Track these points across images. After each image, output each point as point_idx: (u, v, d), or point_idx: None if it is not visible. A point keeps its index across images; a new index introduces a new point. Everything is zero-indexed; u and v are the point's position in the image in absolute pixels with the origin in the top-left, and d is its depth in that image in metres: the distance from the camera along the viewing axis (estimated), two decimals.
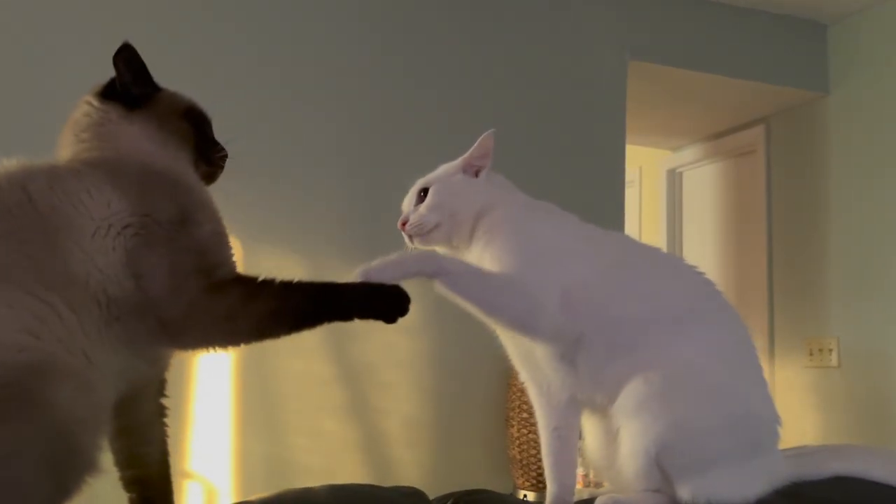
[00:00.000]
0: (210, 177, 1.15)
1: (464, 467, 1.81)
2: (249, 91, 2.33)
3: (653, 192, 4.37)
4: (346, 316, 1.00)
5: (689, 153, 4.12)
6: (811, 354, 3.36)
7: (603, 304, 1.18)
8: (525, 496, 2.30)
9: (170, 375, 2.03)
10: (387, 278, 1.05)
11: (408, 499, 1.04)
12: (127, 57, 1.06)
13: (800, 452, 1.28)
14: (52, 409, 0.81)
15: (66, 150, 1.04)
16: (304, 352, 2.23)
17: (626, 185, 3.78)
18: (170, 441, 2.11)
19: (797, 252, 3.51)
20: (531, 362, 1.25)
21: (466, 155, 1.30)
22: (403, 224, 1.27)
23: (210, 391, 2.15)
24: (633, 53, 3.00)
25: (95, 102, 1.06)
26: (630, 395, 1.14)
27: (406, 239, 1.28)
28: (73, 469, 0.84)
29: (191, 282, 0.94)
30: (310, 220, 2.34)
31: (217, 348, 0.99)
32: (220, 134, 1.16)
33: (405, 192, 1.31)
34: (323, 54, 2.46)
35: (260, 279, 1.00)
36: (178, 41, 2.27)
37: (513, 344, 1.24)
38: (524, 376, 1.28)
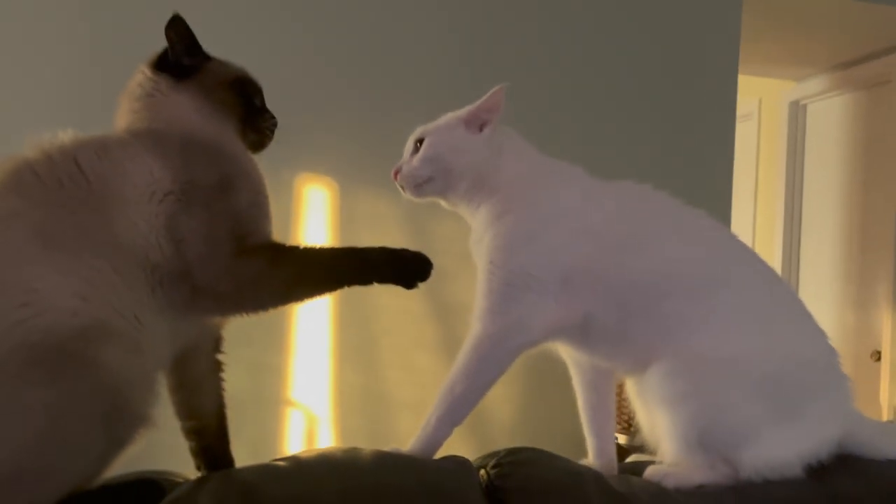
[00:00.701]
0: (259, 145, 1.17)
1: (554, 407, 1.81)
2: (340, 35, 2.33)
3: (772, 126, 4.08)
4: (367, 280, 1.02)
5: (815, 84, 3.80)
6: None
7: (609, 280, 1.11)
8: (615, 438, 2.29)
9: (272, 311, 2.12)
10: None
11: (452, 472, 1.03)
12: (177, 28, 1.09)
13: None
14: (103, 369, 0.87)
15: (121, 118, 1.09)
16: (399, 289, 2.27)
17: (742, 119, 3.55)
18: (273, 371, 2.23)
19: None
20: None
21: (473, 107, 1.21)
22: (396, 173, 1.22)
23: (310, 326, 2.24)
24: None
25: (148, 72, 1.10)
26: (654, 385, 1.09)
27: (399, 189, 1.23)
28: (125, 424, 0.90)
29: (223, 248, 0.97)
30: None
31: (246, 313, 1.02)
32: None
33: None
34: None
35: (287, 245, 1.02)
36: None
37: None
38: (563, 352, 1.26)
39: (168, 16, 1.09)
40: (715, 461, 1.06)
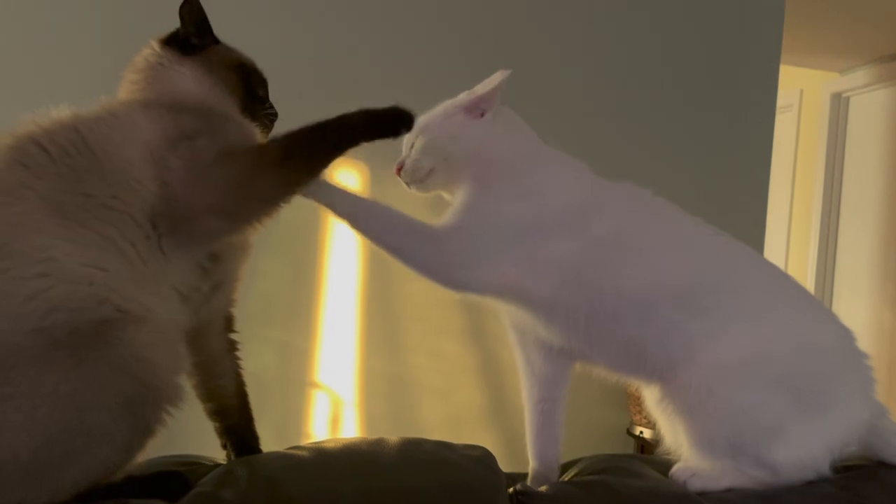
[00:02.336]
0: None
1: (581, 401, 1.80)
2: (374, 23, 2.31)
3: (813, 118, 3.98)
4: (353, 140, 1.04)
5: (859, 76, 3.70)
6: None
7: (592, 276, 1.07)
8: (641, 433, 2.27)
9: (301, 291, 2.12)
10: (315, 197, 1.06)
11: (474, 461, 1.02)
12: (191, 9, 1.12)
13: None
14: (123, 345, 0.86)
15: (121, 91, 1.10)
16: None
17: (782, 110, 3.47)
18: (299, 353, 2.24)
19: None
20: (518, 329, 1.19)
21: (471, 94, 1.16)
22: (399, 169, 1.18)
23: (338, 310, 2.25)
24: None
25: (156, 47, 1.12)
26: (672, 394, 1.05)
27: (403, 185, 1.19)
28: (150, 403, 0.90)
29: (211, 169, 0.97)
30: None
31: (258, 216, 1.01)
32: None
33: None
34: None
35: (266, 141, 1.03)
36: None
37: (504, 308, 1.16)
38: (512, 340, 1.21)
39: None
40: (744, 465, 1.03)
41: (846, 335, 1.11)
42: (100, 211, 0.91)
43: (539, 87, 2.29)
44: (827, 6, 3.01)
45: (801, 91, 4.06)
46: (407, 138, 1.19)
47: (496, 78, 1.15)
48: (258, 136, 1.09)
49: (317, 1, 2.25)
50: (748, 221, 2.57)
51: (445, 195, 1.21)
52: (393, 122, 1.07)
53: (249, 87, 1.16)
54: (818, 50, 3.55)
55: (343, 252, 2.24)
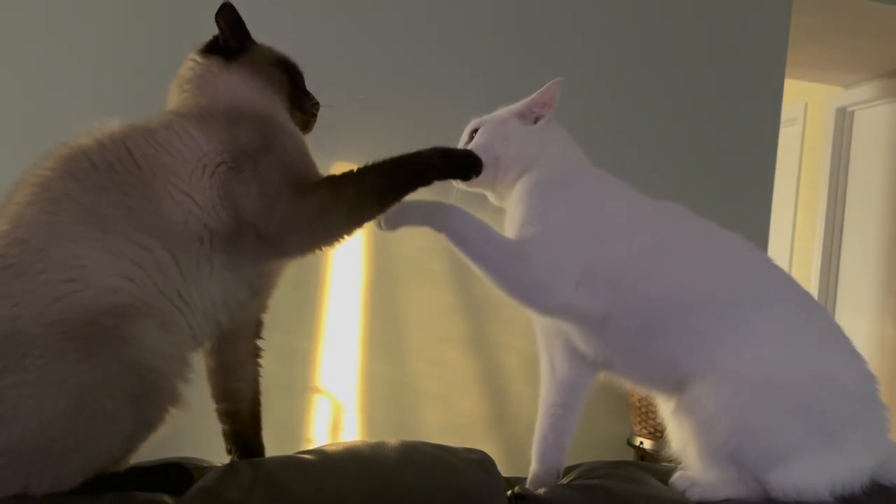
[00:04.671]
0: (304, 125, 1.20)
1: (583, 410, 1.80)
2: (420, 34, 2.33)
3: (817, 132, 3.99)
4: (425, 179, 1.05)
5: (864, 90, 3.71)
6: None
7: (634, 286, 1.08)
8: (641, 443, 2.27)
9: (303, 296, 2.13)
10: (395, 225, 1.08)
11: (474, 464, 1.03)
12: (227, 15, 1.13)
13: None
14: (136, 347, 0.88)
15: (171, 102, 1.12)
16: (429, 283, 2.27)
17: (786, 124, 3.48)
18: (301, 358, 2.24)
19: None
20: (546, 333, 1.20)
21: (528, 99, 1.22)
22: None
23: (340, 314, 2.26)
24: None
25: (198, 58, 1.14)
26: (688, 403, 1.05)
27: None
28: (156, 402, 0.92)
29: (281, 195, 0.99)
30: None
31: (321, 247, 1.04)
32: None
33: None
34: None
35: (341, 173, 1.04)
36: None
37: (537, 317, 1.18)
38: (539, 344, 1.23)
39: (214, 6, 1.12)
40: (746, 477, 1.03)
41: (870, 381, 1.09)
42: (141, 224, 0.94)
43: None
44: (832, 21, 3.02)
45: (806, 105, 4.07)
46: (463, 136, 1.25)
47: (550, 86, 1.21)
48: (306, 144, 1.10)
49: (319, 4, 2.27)
50: (751, 233, 2.57)
51: (490, 195, 1.27)
52: (465, 166, 1.09)
53: (294, 80, 1.19)
54: (823, 64, 3.56)
55: (346, 258, 2.25)
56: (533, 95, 1.22)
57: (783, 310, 1.10)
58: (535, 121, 1.23)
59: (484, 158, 1.15)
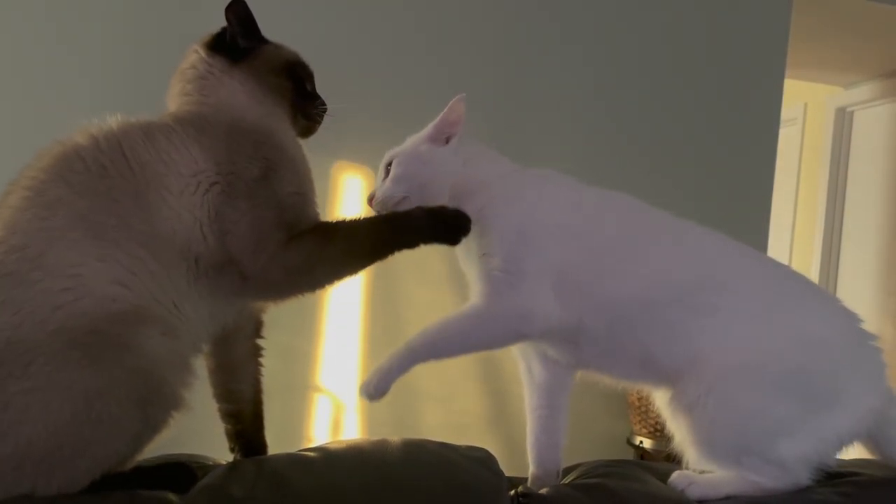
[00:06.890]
0: (308, 130, 1.18)
1: (582, 409, 1.81)
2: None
3: (817, 132, 3.99)
4: (412, 243, 1.04)
5: (864, 90, 3.71)
6: None
7: (596, 284, 1.09)
8: (641, 442, 2.27)
9: (304, 298, 2.13)
10: (383, 389, 1.08)
11: (476, 462, 1.04)
12: (237, 10, 1.10)
13: None
14: (140, 353, 0.89)
15: (172, 100, 1.10)
16: (431, 282, 2.27)
17: (786, 124, 3.48)
18: (302, 357, 2.24)
19: None
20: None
21: (436, 122, 1.21)
22: (371, 200, 1.22)
23: (340, 314, 2.26)
24: None
25: (203, 53, 1.11)
26: (677, 397, 1.06)
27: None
28: (160, 406, 0.92)
29: (271, 237, 0.98)
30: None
31: (300, 295, 1.04)
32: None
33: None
34: None
35: (331, 223, 1.03)
36: None
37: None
38: (514, 350, 1.23)
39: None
40: (749, 466, 1.03)
41: (850, 320, 1.10)
42: (132, 233, 0.93)
43: (541, 99, 2.31)
44: (832, 21, 3.02)
45: (806, 105, 4.07)
46: (379, 172, 1.24)
47: (454, 104, 1.20)
48: (306, 164, 1.09)
49: (319, 4, 2.27)
50: (751, 234, 2.57)
51: None
52: (454, 230, 1.08)
53: (300, 85, 1.16)
54: (823, 64, 3.56)
55: None
56: (440, 116, 1.21)
57: (747, 288, 1.09)
58: (447, 141, 1.22)
59: (407, 189, 1.17)
